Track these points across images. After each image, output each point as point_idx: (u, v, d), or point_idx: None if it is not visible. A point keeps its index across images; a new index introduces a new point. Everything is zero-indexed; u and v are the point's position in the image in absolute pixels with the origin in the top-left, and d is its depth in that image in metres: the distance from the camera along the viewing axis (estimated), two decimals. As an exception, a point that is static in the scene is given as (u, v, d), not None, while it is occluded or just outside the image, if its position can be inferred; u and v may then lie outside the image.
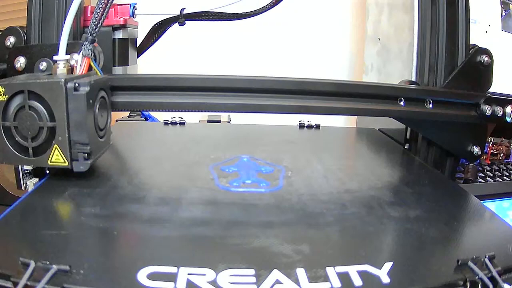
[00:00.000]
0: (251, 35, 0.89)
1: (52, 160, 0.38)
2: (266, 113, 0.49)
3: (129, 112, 0.80)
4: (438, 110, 0.52)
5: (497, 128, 0.89)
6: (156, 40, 0.62)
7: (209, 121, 0.76)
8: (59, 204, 0.36)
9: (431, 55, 0.56)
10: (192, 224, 0.34)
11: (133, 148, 0.56)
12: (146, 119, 0.79)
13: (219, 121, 0.76)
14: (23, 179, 0.51)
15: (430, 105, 0.51)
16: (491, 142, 0.76)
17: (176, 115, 0.69)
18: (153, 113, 0.80)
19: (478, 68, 0.54)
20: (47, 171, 0.54)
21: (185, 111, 0.49)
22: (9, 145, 0.39)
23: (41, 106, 0.37)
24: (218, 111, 0.48)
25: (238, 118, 0.81)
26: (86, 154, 0.39)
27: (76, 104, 0.37)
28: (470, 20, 0.54)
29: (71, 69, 0.42)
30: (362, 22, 0.84)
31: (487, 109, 0.52)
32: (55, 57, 0.42)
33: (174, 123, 0.68)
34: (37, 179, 0.52)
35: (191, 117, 0.72)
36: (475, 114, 0.53)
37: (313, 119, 0.71)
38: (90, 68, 0.43)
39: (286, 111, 0.49)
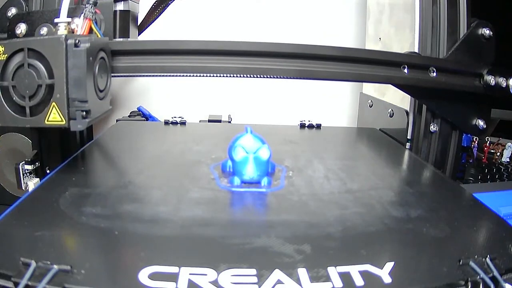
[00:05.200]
0: (251, 35, 0.89)
1: (50, 119, 0.38)
2: (269, 78, 0.48)
3: (130, 112, 0.80)
4: (441, 79, 0.51)
5: (498, 127, 0.89)
6: (158, 16, 0.62)
7: (209, 120, 0.76)
8: (60, 204, 0.36)
9: (434, 21, 0.55)
10: (193, 224, 0.34)
11: (134, 148, 0.56)
12: (147, 119, 0.79)
13: (219, 121, 0.76)
14: (23, 179, 0.51)
15: (434, 74, 0.51)
16: (488, 142, 0.76)
17: (176, 115, 0.69)
18: (154, 113, 0.80)
19: (480, 40, 0.54)
20: (47, 171, 0.54)
21: (186, 75, 0.47)
22: (6, 106, 0.38)
23: (40, 64, 0.37)
24: (220, 75, 0.46)
25: (239, 118, 0.81)
26: (84, 112, 0.38)
27: (76, 60, 0.37)
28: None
29: (71, 32, 0.42)
30: (363, 22, 0.84)
31: (491, 79, 0.51)
32: (56, 20, 0.41)
33: (174, 123, 0.68)
34: (38, 179, 0.52)
35: (191, 117, 0.72)
36: (479, 84, 0.52)
37: (314, 118, 0.71)
38: (91, 31, 0.43)
39: (289, 76, 0.48)
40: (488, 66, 0.53)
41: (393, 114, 0.66)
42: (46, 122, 0.38)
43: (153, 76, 0.49)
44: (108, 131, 0.63)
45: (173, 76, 0.48)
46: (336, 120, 0.92)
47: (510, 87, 0.51)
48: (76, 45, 0.37)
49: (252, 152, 0.42)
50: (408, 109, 0.61)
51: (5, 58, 0.37)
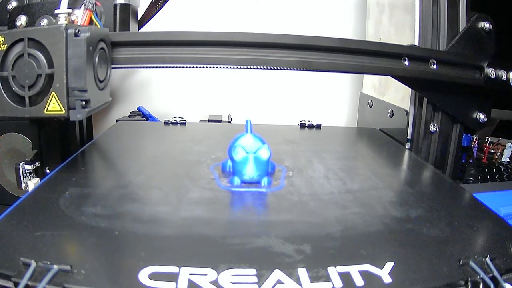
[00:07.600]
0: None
1: (49, 109, 0.38)
2: (269, 69, 0.48)
3: (130, 112, 0.80)
4: (442, 71, 0.51)
5: (498, 127, 0.89)
6: (157, 11, 0.62)
7: (209, 120, 0.76)
8: (60, 204, 0.36)
9: (434, 21, 0.55)
10: (193, 224, 0.34)
11: (134, 148, 0.56)
12: (147, 119, 0.79)
13: (219, 121, 0.76)
14: (23, 179, 0.51)
15: (434, 66, 0.51)
16: (488, 142, 0.76)
17: (176, 115, 0.69)
18: (154, 113, 0.80)
19: (480, 34, 0.54)
20: (47, 171, 0.54)
21: (187, 66, 0.47)
22: (5, 96, 0.38)
23: (40, 54, 0.37)
24: (220, 66, 0.46)
25: (239, 118, 0.81)
26: (83, 102, 0.38)
27: (76, 49, 0.37)
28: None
29: (72, 23, 0.42)
30: (363, 22, 0.84)
31: (491, 72, 0.51)
32: (56, 11, 0.41)
33: (174, 123, 0.68)
34: (38, 179, 0.52)
35: (191, 117, 0.72)
36: (480, 77, 0.53)
37: (314, 118, 0.71)
38: (91, 22, 0.43)
39: (289, 67, 0.48)
40: (488, 59, 0.53)
41: (393, 114, 0.66)
42: (45, 112, 0.38)
43: (153, 67, 0.49)
44: (108, 131, 0.63)
45: (173, 67, 0.48)
46: (336, 120, 0.92)
47: (510, 80, 0.51)
48: (76, 35, 0.37)
49: (252, 152, 0.42)
50: (408, 109, 0.61)
51: (5, 48, 0.37)
